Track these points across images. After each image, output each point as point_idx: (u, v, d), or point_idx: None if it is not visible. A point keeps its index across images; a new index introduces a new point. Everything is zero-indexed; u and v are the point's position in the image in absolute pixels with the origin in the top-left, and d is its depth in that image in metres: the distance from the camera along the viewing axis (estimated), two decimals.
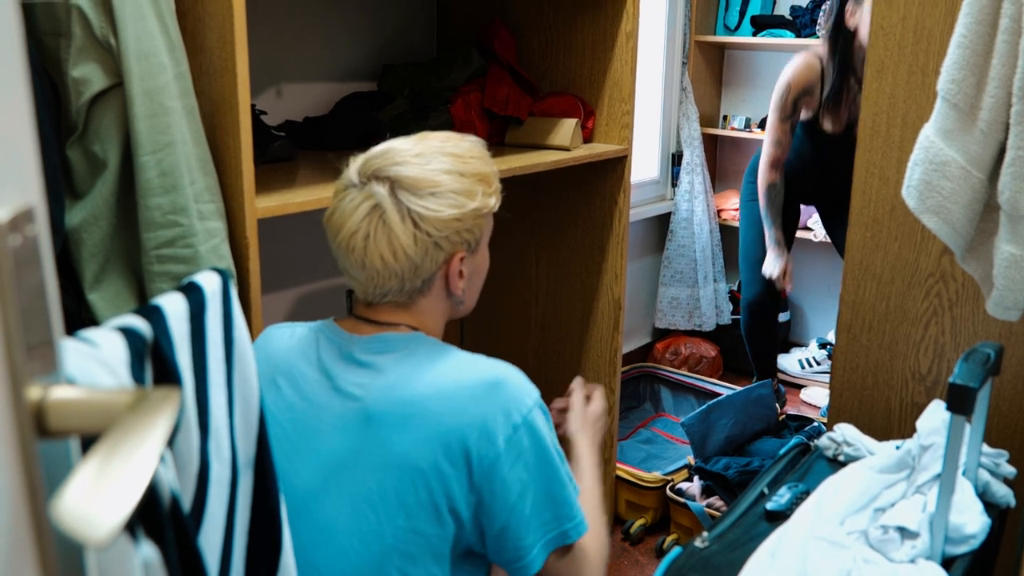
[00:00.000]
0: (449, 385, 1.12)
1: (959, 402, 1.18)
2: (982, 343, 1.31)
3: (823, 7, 3.18)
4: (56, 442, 0.49)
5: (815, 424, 2.74)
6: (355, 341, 1.19)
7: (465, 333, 2.63)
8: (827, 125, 2.67)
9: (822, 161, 2.80)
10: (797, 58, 2.63)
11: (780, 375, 3.53)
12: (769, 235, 2.90)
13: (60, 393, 0.48)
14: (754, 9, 3.47)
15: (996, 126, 1.38)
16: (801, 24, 3.34)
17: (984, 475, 1.45)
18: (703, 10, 3.50)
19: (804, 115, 2.71)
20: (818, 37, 3.08)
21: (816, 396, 3.36)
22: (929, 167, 1.45)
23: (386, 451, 1.11)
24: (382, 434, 1.12)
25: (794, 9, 3.40)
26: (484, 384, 1.11)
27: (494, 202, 1.20)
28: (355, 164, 1.19)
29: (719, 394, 2.91)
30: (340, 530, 1.13)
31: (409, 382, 1.13)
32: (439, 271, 1.18)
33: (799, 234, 3.21)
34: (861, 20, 2.45)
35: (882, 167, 1.82)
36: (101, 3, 1.25)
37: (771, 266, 2.92)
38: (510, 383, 1.12)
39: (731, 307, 3.62)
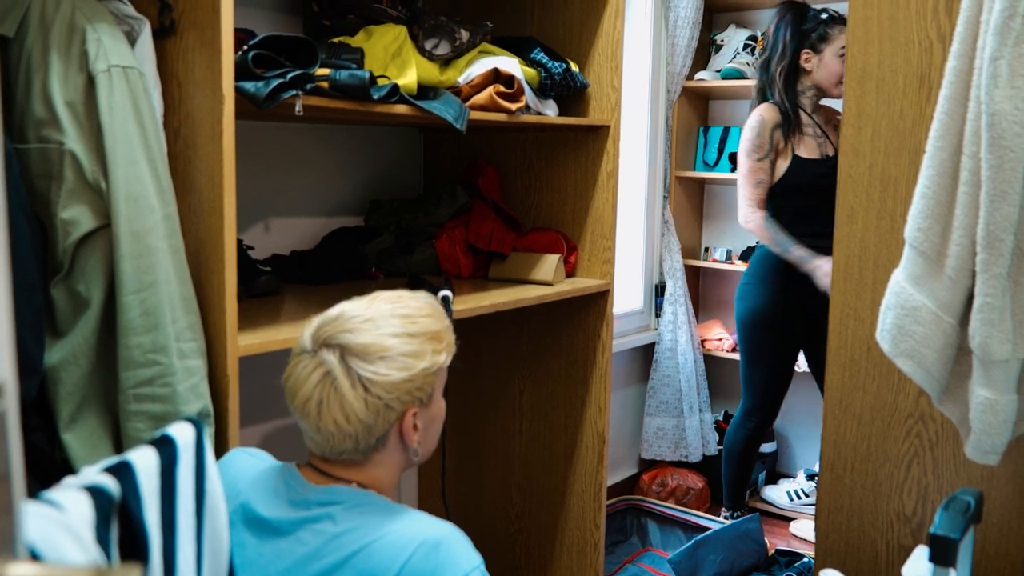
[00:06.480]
0: (392, 540, 1.14)
1: (942, 553, 1.17)
2: (962, 490, 1.31)
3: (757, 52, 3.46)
4: None
5: (805, 559, 2.67)
6: (310, 489, 1.22)
7: (447, 467, 2.59)
8: (803, 152, 2.84)
9: (813, 189, 2.79)
10: (759, 108, 2.86)
11: (768, 507, 3.47)
12: (798, 255, 2.74)
13: (17, 572, 0.47)
14: (732, 147, 3.60)
15: (963, 273, 1.42)
16: None
17: None
18: (683, 147, 3.63)
19: (780, 164, 2.83)
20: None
21: (805, 529, 3.29)
22: (901, 312, 1.49)
23: None
24: None
25: None
26: (426, 544, 1.13)
27: (444, 358, 1.24)
28: (310, 329, 1.22)
29: (707, 527, 2.85)
30: None
31: (355, 533, 1.16)
32: (392, 428, 1.21)
33: None
34: (816, 66, 2.81)
35: (856, 308, 1.86)
36: (94, 148, 1.29)
37: (824, 271, 2.66)
38: (451, 547, 1.13)
39: (717, 437, 3.59)
